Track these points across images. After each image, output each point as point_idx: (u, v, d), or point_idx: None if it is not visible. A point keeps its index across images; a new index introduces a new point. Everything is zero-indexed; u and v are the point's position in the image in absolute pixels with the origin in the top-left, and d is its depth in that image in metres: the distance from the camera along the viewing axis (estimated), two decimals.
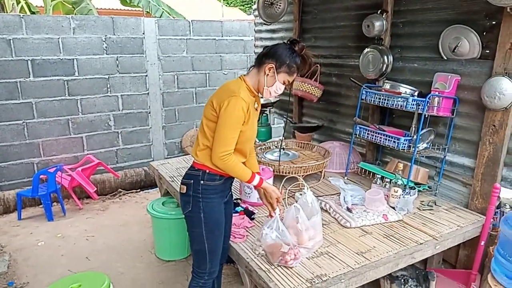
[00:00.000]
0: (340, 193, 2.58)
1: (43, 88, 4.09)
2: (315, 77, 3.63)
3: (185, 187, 1.91)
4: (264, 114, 4.36)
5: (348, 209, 2.35)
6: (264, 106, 4.33)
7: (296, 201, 2.50)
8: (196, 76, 5.12)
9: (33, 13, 6.90)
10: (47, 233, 3.54)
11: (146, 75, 4.70)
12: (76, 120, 4.32)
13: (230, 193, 2.08)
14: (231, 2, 27.68)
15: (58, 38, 4.07)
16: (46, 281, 2.82)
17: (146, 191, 4.58)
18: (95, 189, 4.16)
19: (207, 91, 5.25)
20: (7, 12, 6.22)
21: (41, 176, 3.75)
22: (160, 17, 6.66)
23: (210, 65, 5.20)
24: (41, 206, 3.98)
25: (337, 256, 1.94)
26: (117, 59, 4.43)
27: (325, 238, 2.09)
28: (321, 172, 2.94)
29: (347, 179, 2.98)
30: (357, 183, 2.90)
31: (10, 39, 3.88)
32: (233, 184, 2.07)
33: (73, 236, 3.46)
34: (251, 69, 1.93)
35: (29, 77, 4.01)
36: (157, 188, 4.49)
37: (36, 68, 4.01)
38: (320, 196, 2.59)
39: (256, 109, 1.96)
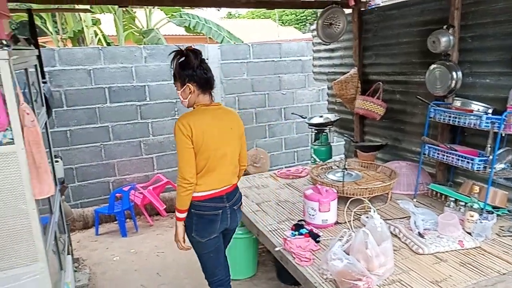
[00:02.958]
0: (409, 216, 2.48)
1: (118, 113, 4.45)
2: (377, 95, 3.57)
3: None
4: (324, 133, 4.35)
5: (420, 234, 2.25)
6: (324, 125, 4.32)
7: (364, 225, 2.45)
8: (255, 97, 5.26)
9: (108, 43, 7.58)
10: (121, 248, 3.79)
11: None
12: (147, 142, 4.63)
13: None
14: (286, 22, 28.12)
15: (132, 67, 4.44)
16: None
17: None
18: (165, 206, 4.40)
19: (266, 111, 5.36)
20: (87, 44, 6.90)
21: (116, 194, 4.05)
22: (221, 42, 6.97)
23: (269, 86, 5.31)
24: (115, 222, 4.28)
25: (410, 285, 1.86)
26: None
27: (396, 264, 2.01)
28: (387, 194, 2.85)
29: (416, 201, 2.86)
30: (427, 206, 2.77)
31: (90, 69, 4.30)
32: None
33: (145, 251, 3.67)
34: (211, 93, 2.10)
35: (106, 103, 4.40)
36: None
37: (112, 95, 4.39)
38: (388, 220, 2.51)
39: None
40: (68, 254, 2.92)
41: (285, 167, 5.18)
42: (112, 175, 4.54)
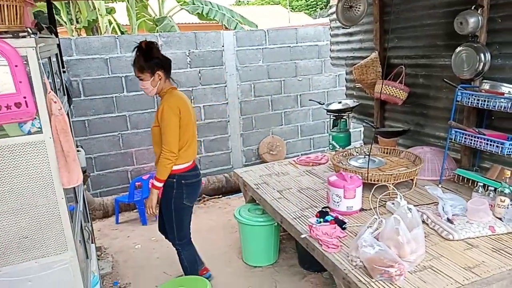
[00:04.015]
0: (436, 202, 2.44)
1: (135, 101, 4.45)
2: (399, 79, 3.48)
3: None
4: (342, 119, 4.28)
5: (449, 220, 2.20)
6: (343, 111, 4.26)
7: (390, 212, 2.42)
8: (271, 84, 5.20)
9: (122, 32, 7.56)
10: (142, 236, 3.83)
11: (225, 86, 4.89)
12: None
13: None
14: (296, 7, 27.73)
15: None
16: (145, 283, 3.05)
17: (228, 196, 4.74)
18: None
19: (282, 98, 5.31)
20: (101, 33, 6.89)
21: (136, 183, 4.07)
22: (234, 28, 6.89)
23: (285, 72, 5.24)
24: (135, 210, 4.32)
25: (442, 271, 1.83)
26: (199, 72, 4.68)
27: (426, 251, 1.98)
28: (412, 179, 2.80)
29: (441, 187, 2.79)
30: (453, 191, 2.71)
31: (107, 58, 4.29)
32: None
33: (165, 239, 3.68)
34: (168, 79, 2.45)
35: (123, 92, 4.40)
36: (238, 194, 4.63)
37: (129, 84, 4.38)
38: (415, 206, 2.46)
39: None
40: (92, 242, 2.95)
41: (301, 154, 5.15)
42: (131, 164, 4.56)
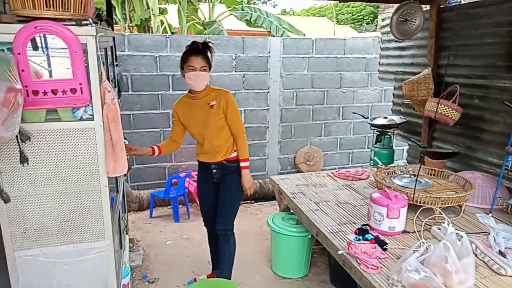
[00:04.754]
0: (486, 232, 2.27)
1: None
2: (453, 98, 3.30)
3: None
4: (387, 136, 4.13)
5: (501, 253, 2.03)
6: (388, 126, 4.11)
7: (435, 236, 2.27)
8: (314, 93, 5.12)
9: (172, 33, 7.77)
10: (174, 233, 3.85)
11: (268, 92, 4.86)
12: None
13: (216, 176, 2.70)
14: (342, 21, 27.53)
15: None
16: (174, 280, 3.04)
17: (260, 203, 4.69)
18: None
19: (323, 109, 5.21)
20: (152, 33, 7.11)
21: (173, 180, 4.11)
22: (281, 36, 6.89)
23: (329, 83, 5.15)
24: (169, 207, 4.36)
25: None
26: (243, 76, 4.69)
27: (474, 283, 1.83)
28: (460, 206, 2.63)
29: (492, 216, 2.60)
30: (505, 222, 2.51)
31: (157, 56, 4.39)
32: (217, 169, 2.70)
33: (197, 238, 3.69)
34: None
35: (169, 90, 4.48)
36: (271, 201, 4.58)
37: (175, 83, 4.46)
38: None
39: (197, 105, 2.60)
40: (126, 234, 2.99)
41: (339, 168, 5.02)
42: (169, 161, 4.63)
